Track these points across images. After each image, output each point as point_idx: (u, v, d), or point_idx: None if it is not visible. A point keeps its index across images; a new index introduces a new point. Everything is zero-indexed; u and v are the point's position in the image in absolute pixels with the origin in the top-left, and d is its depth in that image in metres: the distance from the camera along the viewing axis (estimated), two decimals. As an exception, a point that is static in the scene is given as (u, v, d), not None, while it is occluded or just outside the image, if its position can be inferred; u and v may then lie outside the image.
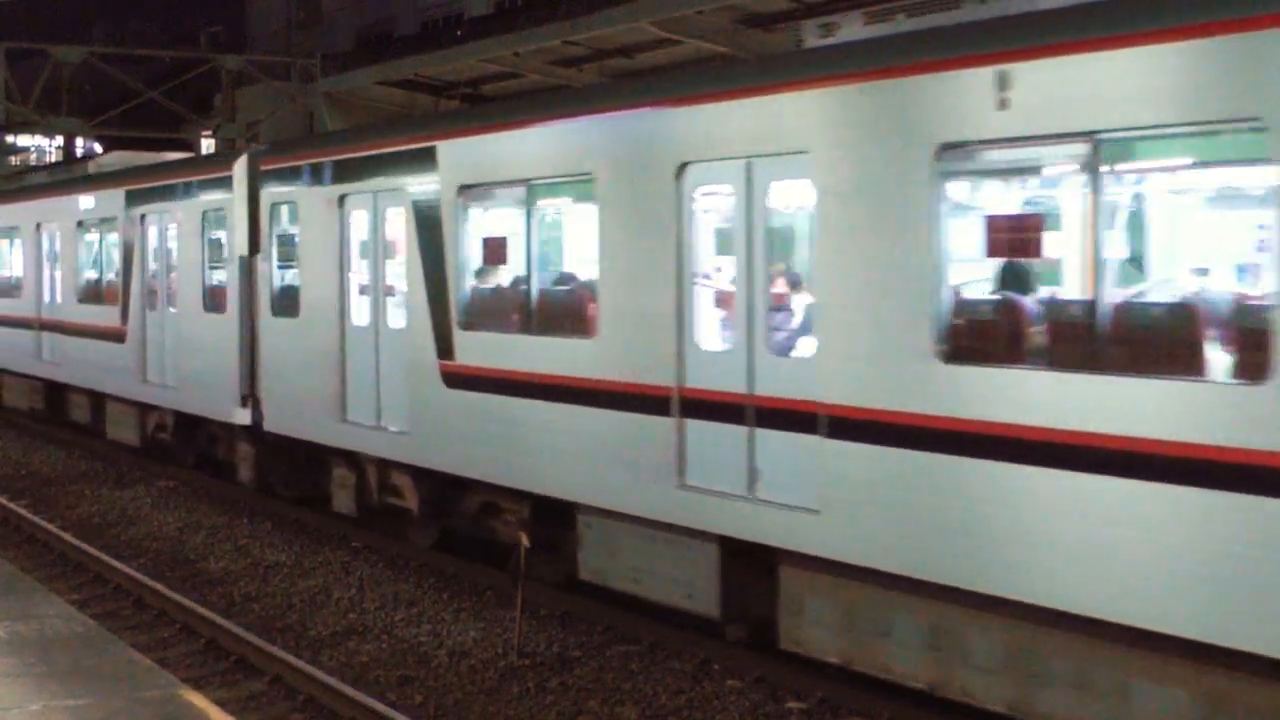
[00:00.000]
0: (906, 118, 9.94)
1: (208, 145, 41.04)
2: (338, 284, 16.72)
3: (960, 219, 10.07)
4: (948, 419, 9.51)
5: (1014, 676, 9.47)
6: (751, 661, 11.92)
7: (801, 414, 10.73)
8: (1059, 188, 9.89)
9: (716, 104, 11.54)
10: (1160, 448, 8.31)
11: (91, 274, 25.35)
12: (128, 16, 65.05)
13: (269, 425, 18.48)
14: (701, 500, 11.55)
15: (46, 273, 27.25)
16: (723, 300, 11.94)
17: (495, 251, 14.52)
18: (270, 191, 18.43)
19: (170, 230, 21.56)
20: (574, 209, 14.33)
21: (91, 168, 26.84)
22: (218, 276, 20.02)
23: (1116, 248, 9.22)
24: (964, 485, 9.41)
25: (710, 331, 11.96)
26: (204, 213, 20.19)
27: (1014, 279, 9.77)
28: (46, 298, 27.08)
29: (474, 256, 14.68)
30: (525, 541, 12.85)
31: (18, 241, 29.26)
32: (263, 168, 18.63)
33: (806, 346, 11.00)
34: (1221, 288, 9.25)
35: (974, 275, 10.17)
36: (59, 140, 49.34)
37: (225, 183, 19.49)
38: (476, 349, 14.31)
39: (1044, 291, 9.78)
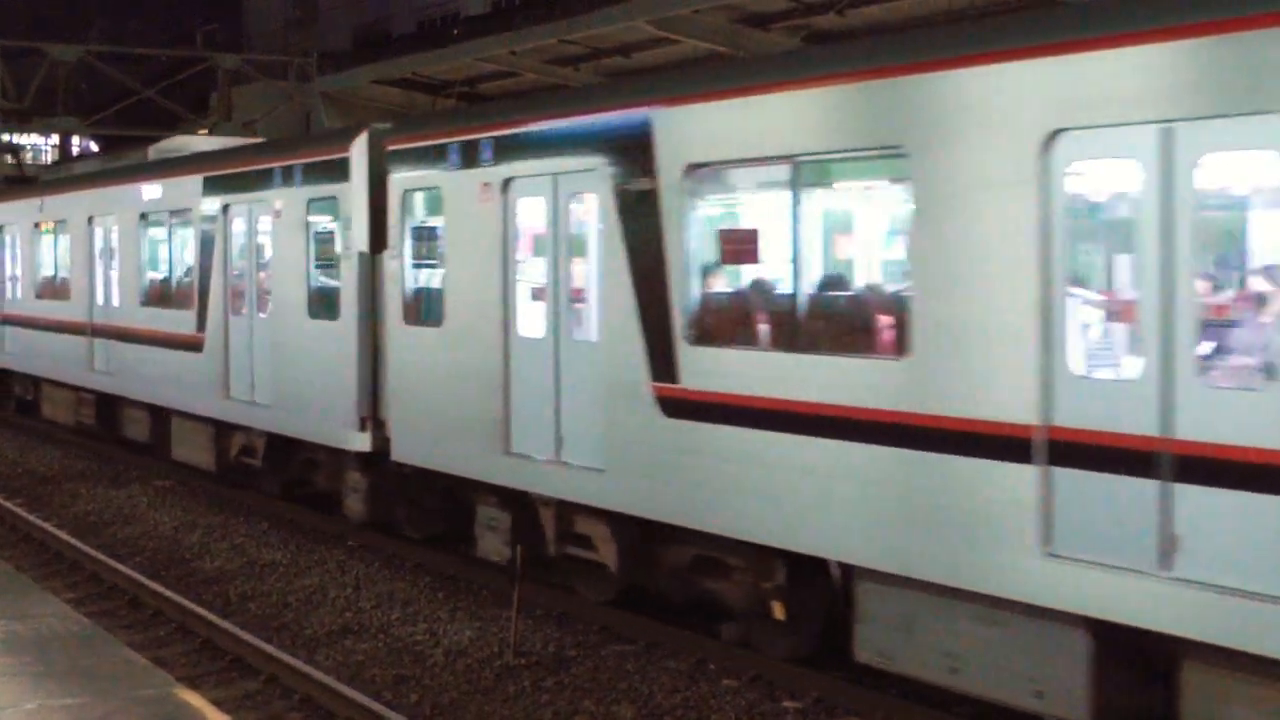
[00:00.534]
0: None
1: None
2: (499, 287, 13.84)
3: None
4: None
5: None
6: (747, 661, 11.92)
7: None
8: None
9: (1109, 50, 8.73)
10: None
11: (157, 274, 22.44)
12: (124, 15, 64.96)
13: (398, 454, 15.56)
14: (1076, 574, 8.80)
15: (100, 272, 24.16)
16: (1111, 310, 9.29)
17: (742, 247, 11.87)
18: (403, 177, 15.46)
19: (263, 223, 18.54)
20: (869, 192, 11.86)
21: (152, 153, 24.23)
22: (327, 277, 17.11)
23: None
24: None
25: (1086, 350, 9.24)
26: (309, 202, 17.22)
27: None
28: (100, 300, 24.03)
29: (707, 253, 11.87)
30: (522, 550, 12.84)
31: (65, 238, 26.17)
32: (390, 148, 15.75)
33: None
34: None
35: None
36: (54, 139, 49.24)
37: (339, 167, 16.58)
38: (713, 369, 11.47)
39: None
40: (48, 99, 34.98)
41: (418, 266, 15.55)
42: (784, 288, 11.38)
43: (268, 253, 18.51)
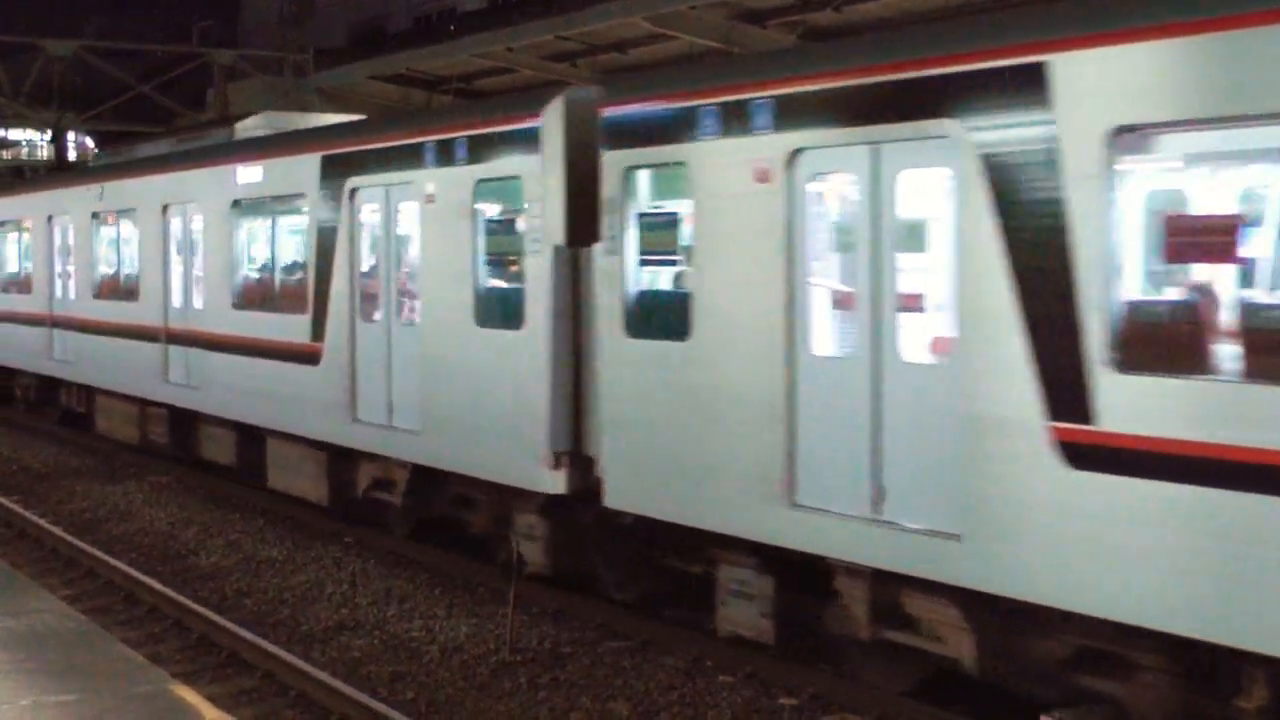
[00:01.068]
0: None
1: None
2: (781, 291, 10.80)
3: None
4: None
5: None
6: (743, 658, 11.91)
7: None
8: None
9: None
10: None
11: (255, 272, 19.31)
12: (120, 11, 64.93)
13: (615, 500, 12.42)
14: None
15: (176, 269, 20.96)
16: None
17: (1209, 239, 8.61)
18: (621, 154, 12.25)
19: (406, 211, 15.32)
20: None
21: (240, 131, 20.84)
22: (504, 277, 14.27)
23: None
24: None
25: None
26: (477, 184, 14.03)
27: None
28: (177, 302, 20.83)
29: (1145, 247, 9.06)
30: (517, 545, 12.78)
31: (131, 229, 22.72)
32: (606, 114, 12.51)
33: None
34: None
35: None
36: (50, 134, 49.22)
37: (523, 139, 13.37)
38: (1156, 407, 8.47)
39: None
40: (43, 94, 34.95)
41: (646, 264, 12.49)
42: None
43: (413, 247, 15.31)
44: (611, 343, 12.45)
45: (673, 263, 12.37)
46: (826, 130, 10.52)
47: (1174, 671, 8.86)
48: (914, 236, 10.32)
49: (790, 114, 10.78)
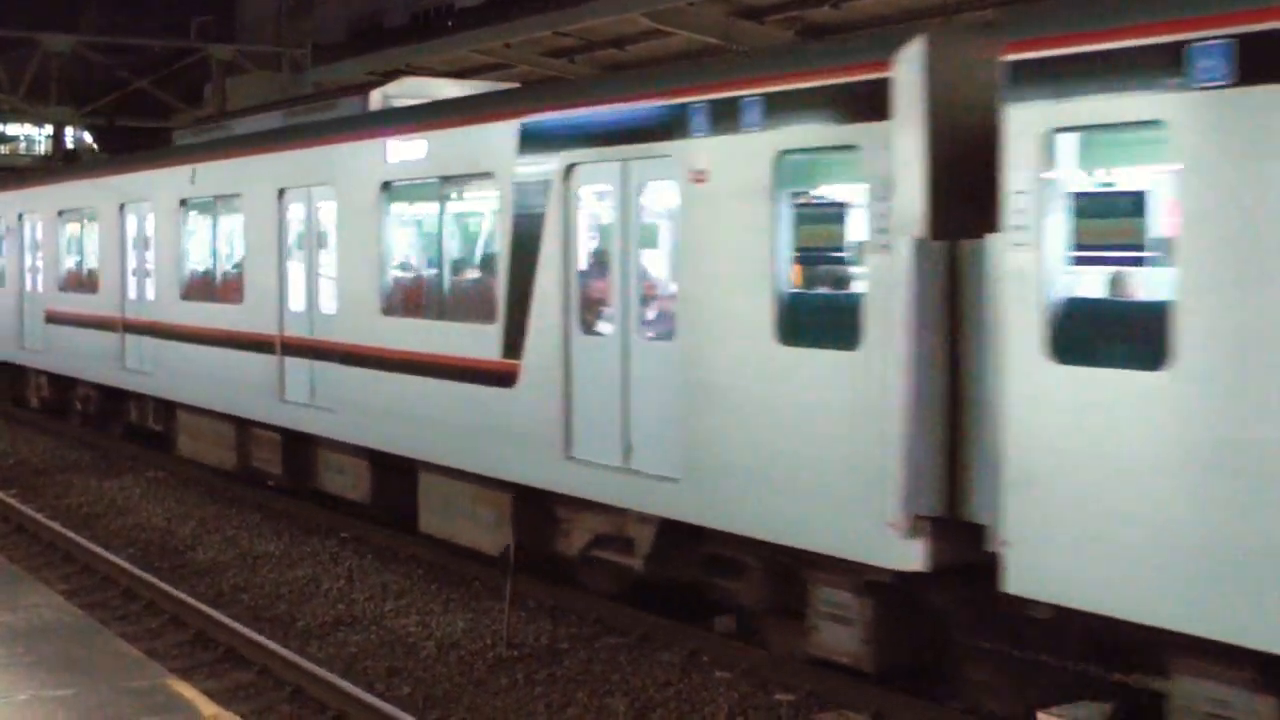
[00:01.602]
0: None
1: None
2: None
3: None
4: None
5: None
6: (740, 653, 11.92)
7: None
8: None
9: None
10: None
11: (413, 270, 16.06)
12: (118, 6, 64.86)
13: (1027, 584, 9.09)
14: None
15: (295, 267, 17.55)
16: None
17: None
18: (1045, 109, 8.93)
19: (655, 192, 12.17)
20: None
21: (376, 99, 17.29)
22: (825, 280, 11.61)
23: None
24: None
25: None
26: (780, 156, 10.79)
27: None
28: (298, 306, 17.31)
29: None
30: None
31: (233, 219, 19.49)
32: (1010, 58, 9.14)
33: None
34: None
35: None
36: (48, 129, 49.18)
37: (864, 95, 10.15)
38: None
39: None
40: (41, 90, 34.94)
41: (1086, 261, 9.68)
42: None
43: (663, 238, 12.45)
44: (1026, 370, 9.08)
45: (1135, 259, 9.68)
46: None
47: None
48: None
49: None
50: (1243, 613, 7.94)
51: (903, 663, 10.74)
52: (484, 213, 14.60)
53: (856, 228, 10.81)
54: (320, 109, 18.34)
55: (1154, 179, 9.42)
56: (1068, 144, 9.11)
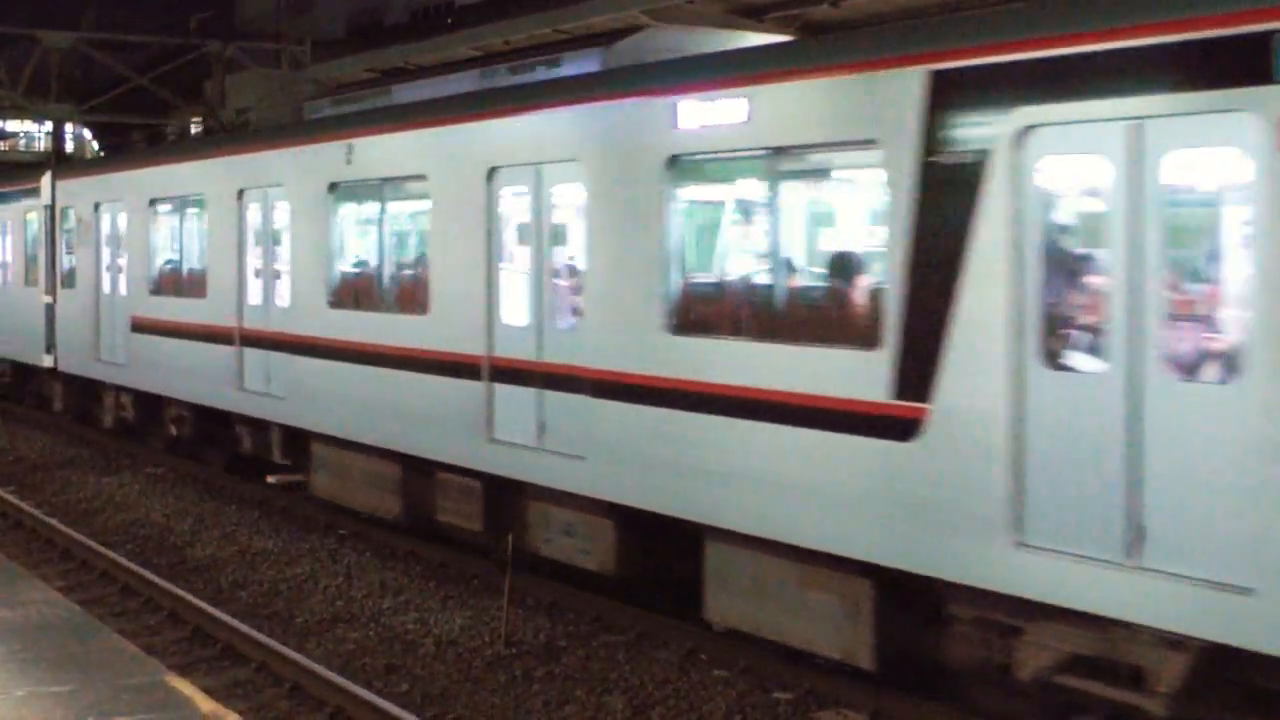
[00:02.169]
0: None
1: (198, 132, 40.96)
2: None
3: None
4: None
5: None
6: (738, 651, 11.92)
7: None
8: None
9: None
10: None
11: (740, 272, 11.86)
12: (118, 2, 64.87)
13: None
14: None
15: (514, 268, 13.74)
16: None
17: None
18: None
19: (1193, 164, 8.56)
20: None
21: (618, 54, 13.76)
22: None
23: None
24: None
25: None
26: None
27: None
28: (517, 318, 13.59)
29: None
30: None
31: (411, 207, 15.98)
32: None
33: None
34: None
35: None
36: (48, 126, 49.18)
37: None
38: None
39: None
40: (41, 86, 34.90)
41: None
42: None
43: (1218, 231, 8.64)
44: None
45: None
46: None
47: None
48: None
49: None
50: None
51: None
52: (844, 197, 11.53)
53: None
54: (538, 65, 14.60)
55: None
56: None
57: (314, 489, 17.30)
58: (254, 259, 18.37)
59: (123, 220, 22.63)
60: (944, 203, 9.51)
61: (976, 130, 9.32)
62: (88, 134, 51.44)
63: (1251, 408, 7.93)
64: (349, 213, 16.84)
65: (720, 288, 12.04)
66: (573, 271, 13.16)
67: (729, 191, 12.10)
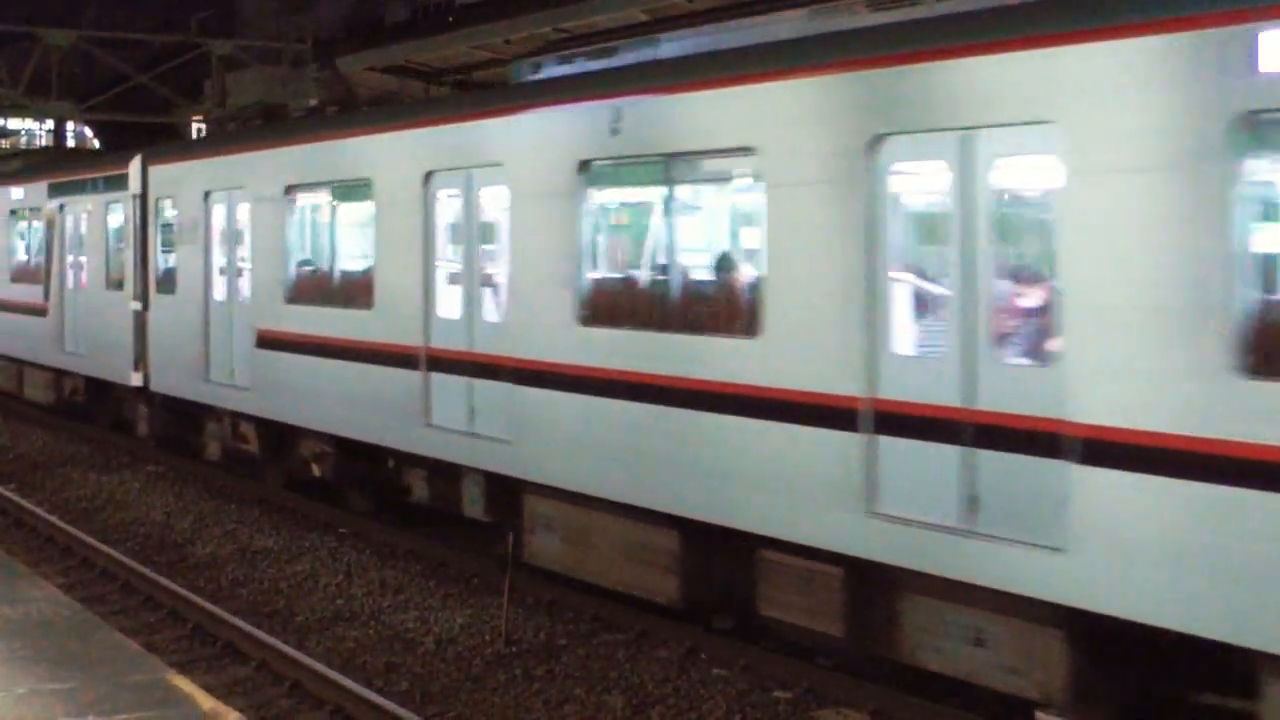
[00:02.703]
0: None
1: (198, 130, 40.98)
2: None
3: None
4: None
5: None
6: (738, 650, 11.93)
7: None
8: None
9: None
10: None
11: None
12: (119, 1, 64.87)
13: None
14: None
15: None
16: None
17: None
18: None
19: None
20: None
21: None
22: None
23: None
24: None
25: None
26: None
27: None
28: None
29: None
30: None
31: (708, 194, 12.54)
32: None
33: None
34: None
35: None
36: (49, 124, 49.21)
37: None
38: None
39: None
40: (42, 84, 34.92)
41: None
42: None
43: None
44: None
45: None
46: None
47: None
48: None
49: None
50: None
51: None
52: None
53: None
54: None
55: None
56: None
57: (528, 553, 13.52)
58: (450, 262, 14.69)
59: (244, 213, 18.48)
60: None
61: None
62: (89, 132, 51.47)
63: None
64: (607, 199, 13.41)
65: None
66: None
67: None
